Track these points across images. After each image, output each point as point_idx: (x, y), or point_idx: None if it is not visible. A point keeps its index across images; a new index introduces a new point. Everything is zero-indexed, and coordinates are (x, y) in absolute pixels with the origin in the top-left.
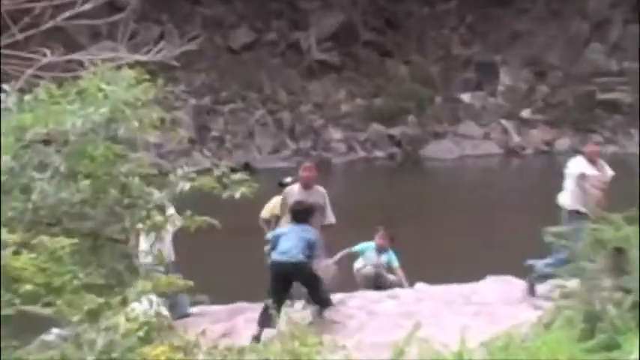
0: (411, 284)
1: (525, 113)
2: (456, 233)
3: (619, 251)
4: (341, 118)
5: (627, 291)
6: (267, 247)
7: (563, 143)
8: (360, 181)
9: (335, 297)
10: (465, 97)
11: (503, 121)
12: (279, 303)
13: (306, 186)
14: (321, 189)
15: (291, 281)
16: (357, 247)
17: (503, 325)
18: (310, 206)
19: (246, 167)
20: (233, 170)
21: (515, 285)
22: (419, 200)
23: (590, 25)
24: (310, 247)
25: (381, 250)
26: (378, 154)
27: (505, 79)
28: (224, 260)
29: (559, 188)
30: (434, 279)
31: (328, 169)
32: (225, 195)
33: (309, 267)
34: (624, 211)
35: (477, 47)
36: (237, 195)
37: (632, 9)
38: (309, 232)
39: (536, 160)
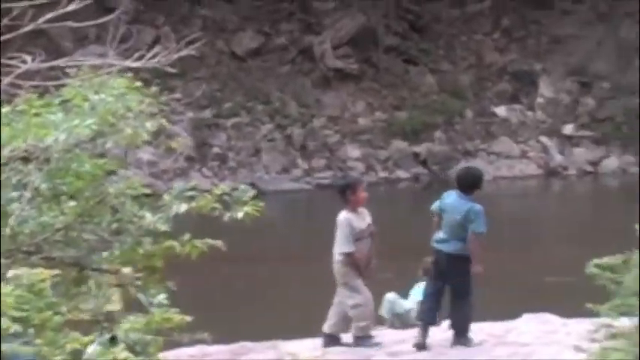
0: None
1: (568, 129)
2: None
3: None
4: (359, 133)
5: None
6: None
7: (610, 163)
8: (381, 206)
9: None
10: (500, 110)
11: (543, 138)
12: None
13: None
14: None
15: None
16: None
17: None
18: None
19: (252, 188)
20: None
21: (555, 324)
22: None
23: None
24: None
25: None
26: (401, 174)
27: (545, 90)
28: (227, 292)
29: (605, 214)
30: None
31: None
32: (226, 217)
33: None
34: None
35: (513, 54)
36: (240, 216)
37: None
38: None
39: (580, 183)
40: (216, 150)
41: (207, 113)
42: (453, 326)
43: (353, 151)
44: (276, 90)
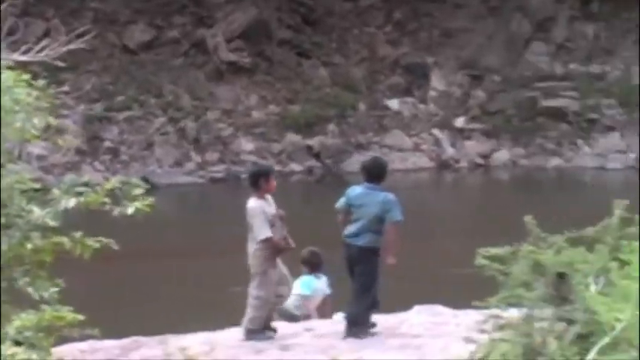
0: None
1: (460, 122)
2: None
3: (561, 277)
4: (252, 126)
5: (570, 322)
6: None
7: (501, 156)
8: (274, 198)
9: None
10: (392, 103)
11: (435, 131)
12: None
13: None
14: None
15: None
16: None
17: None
18: None
19: (145, 182)
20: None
21: (446, 315)
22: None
23: (532, 23)
24: None
25: (315, 275)
26: (295, 167)
27: (437, 83)
28: (120, 288)
29: (495, 206)
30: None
31: (238, 185)
32: (116, 212)
33: None
34: (567, 231)
35: (405, 47)
36: (130, 212)
37: (579, 5)
38: None
39: (472, 175)
40: (107, 144)
41: (98, 107)
42: (350, 317)
43: (246, 145)
44: (169, 83)
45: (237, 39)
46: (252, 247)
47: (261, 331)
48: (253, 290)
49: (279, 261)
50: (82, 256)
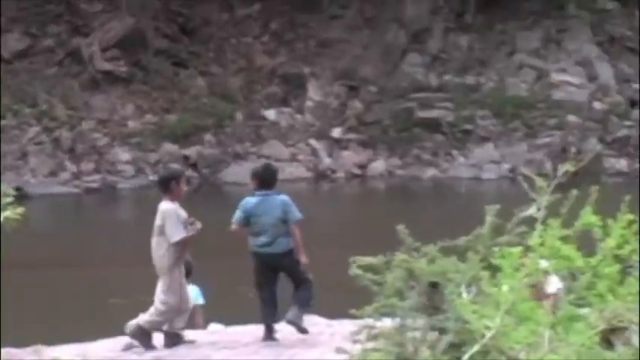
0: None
1: (336, 132)
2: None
3: (433, 287)
4: (128, 136)
5: (442, 331)
6: None
7: (378, 166)
8: (151, 210)
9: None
10: (270, 113)
11: (312, 141)
12: None
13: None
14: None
15: None
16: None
17: None
18: None
19: (18, 192)
20: None
21: (321, 325)
22: (216, 230)
23: (407, 34)
24: None
25: None
26: None
27: (314, 93)
28: None
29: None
30: (230, 319)
31: (114, 195)
32: None
33: None
34: (440, 240)
35: (282, 57)
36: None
37: (454, 17)
38: None
39: (348, 186)
40: None
41: None
42: (303, 302)
43: (123, 154)
44: (44, 92)
45: (113, 48)
46: (160, 250)
47: (148, 336)
48: (161, 294)
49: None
50: None
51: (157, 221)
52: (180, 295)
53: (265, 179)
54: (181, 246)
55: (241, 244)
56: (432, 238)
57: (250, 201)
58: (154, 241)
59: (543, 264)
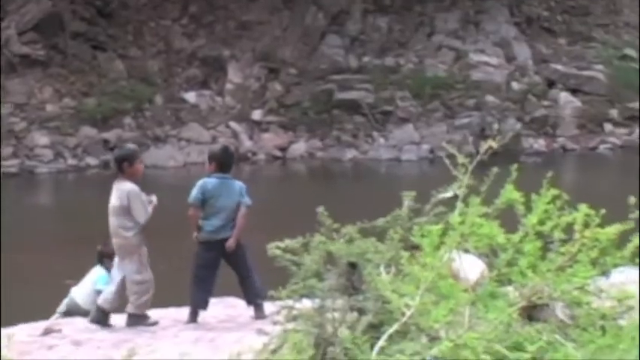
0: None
1: (257, 115)
2: (171, 252)
3: (352, 267)
4: (47, 120)
5: (362, 311)
6: None
7: (298, 148)
8: (70, 193)
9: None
10: (190, 96)
11: (233, 124)
12: None
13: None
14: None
15: None
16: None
17: (226, 352)
18: None
19: None
20: None
21: (240, 307)
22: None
23: (326, 16)
24: None
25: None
26: (91, 161)
27: (234, 76)
28: None
29: (293, 198)
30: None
31: (32, 180)
32: None
33: None
34: (359, 222)
35: (201, 40)
36: None
37: None
38: None
39: (269, 168)
40: None
41: None
42: (257, 297)
43: (41, 139)
44: None
45: (30, 31)
46: (127, 231)
47: (144, 317)
48: (135, 275)
49: None
50: None
51: (116, 201)
52: (149, 272)
53: (225, 162)
54: (144, 226)
55: (167, 225)
56: (352, 219)
57: (210, 182)
58: (115, 221)
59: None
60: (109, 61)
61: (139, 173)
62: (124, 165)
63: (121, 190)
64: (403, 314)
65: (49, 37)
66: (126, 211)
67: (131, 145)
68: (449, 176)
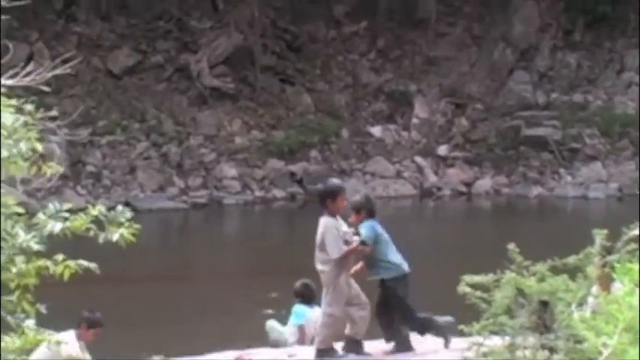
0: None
1: (442, 150)
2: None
3: (543, 305)
4: (235, 152)
5: (553, 350)
6: None
7: (484, 184)
8: (257, 225)
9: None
10: (375, 130)
11: (418, 159)
12: None
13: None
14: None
15: None
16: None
17: None
18: None
19: (127, 207)
20: (111, 209)
21: (428, 342)
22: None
23: (515, 52)
24: None
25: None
26: (277, 193)
27: (420, 111)
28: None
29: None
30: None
31: (220, 211)
32: (101, 239)
33: None
34: (549, 259)
35: (388, 75)
36: (115, 238)
37: (562, 35)
38: None
39: (454, 203)
40: (90, 168)
41: (81, 131)
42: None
43: (229, 170)
44: (152, 108)
45: (221, 65)
46: (323, 265)
47: (332, 350)
48: (326, 307)
49: (352, 281)
50: (61, 277)
51: (319, 236)
52: (344, 308)
53: (373, 209)
54: (342, 260)
55: None
56: (539, 257)
57: (375, 224)
58: (317, 254)
59: None
60: (297, 94)
61: (341, 209)
62: (327, 201)
63: (321, 224)
64: (600, 353)
65: (239, 71)
66: (323, 245)
67: (336, 181)
68: (638, 214)
